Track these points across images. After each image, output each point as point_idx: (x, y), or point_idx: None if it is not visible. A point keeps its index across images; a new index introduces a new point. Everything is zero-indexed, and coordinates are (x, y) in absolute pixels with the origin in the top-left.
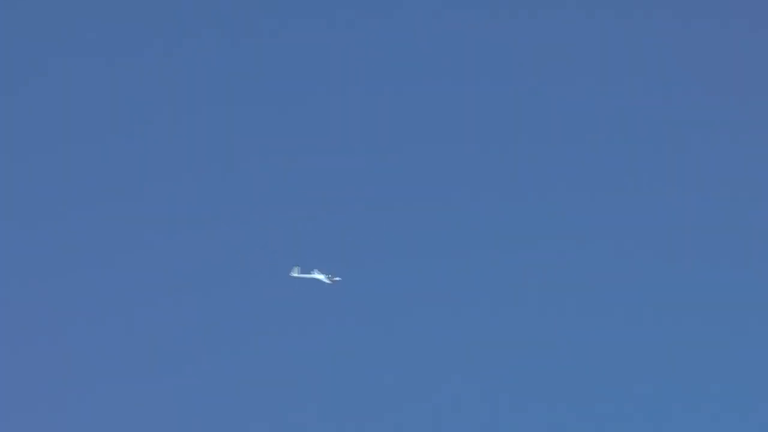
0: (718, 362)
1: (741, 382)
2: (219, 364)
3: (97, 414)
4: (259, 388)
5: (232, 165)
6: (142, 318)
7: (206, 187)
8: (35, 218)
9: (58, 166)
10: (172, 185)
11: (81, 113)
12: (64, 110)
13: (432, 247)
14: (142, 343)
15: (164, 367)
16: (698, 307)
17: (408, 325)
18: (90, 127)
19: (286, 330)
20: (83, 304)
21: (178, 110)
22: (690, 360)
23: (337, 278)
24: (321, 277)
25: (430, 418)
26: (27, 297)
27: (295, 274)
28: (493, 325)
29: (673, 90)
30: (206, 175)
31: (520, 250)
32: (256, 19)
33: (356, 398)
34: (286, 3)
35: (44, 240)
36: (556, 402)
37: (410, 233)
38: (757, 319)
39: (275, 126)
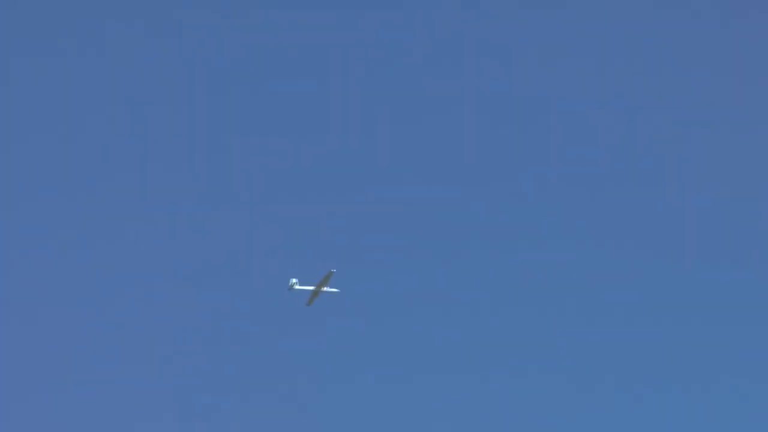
0: (718, 362)
1: (741, 382)
2: (219, 363)
3: (96, 414)
4: (258, 388)
5: (231, 164)
6: (141, 318)
7: (205, 186)
8: (35, 218)
9: (58, 165)
10: (172, 184)
11: (81, 113)
12: (65, 110)
13: (432, 247)
14: (141, 343)
15: (164, 367)
16: (698, 307)
17: (408, 325)
18: (90, 127)
19: (285, 330)
20: (82, 303)
21: (178, 109)
22: (690, 360)
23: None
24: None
25: (430, 417)
26: (25, 296)
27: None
28: (493, 325)
29: (673, 90)
30: (205, 175)
31: (520, 250)
32: (255, 17)
33: (356, 398)
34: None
35: (44, 239)
36: (556, 402)
37: (410, 233)
38: (757, 319)
39: (275, 126)
